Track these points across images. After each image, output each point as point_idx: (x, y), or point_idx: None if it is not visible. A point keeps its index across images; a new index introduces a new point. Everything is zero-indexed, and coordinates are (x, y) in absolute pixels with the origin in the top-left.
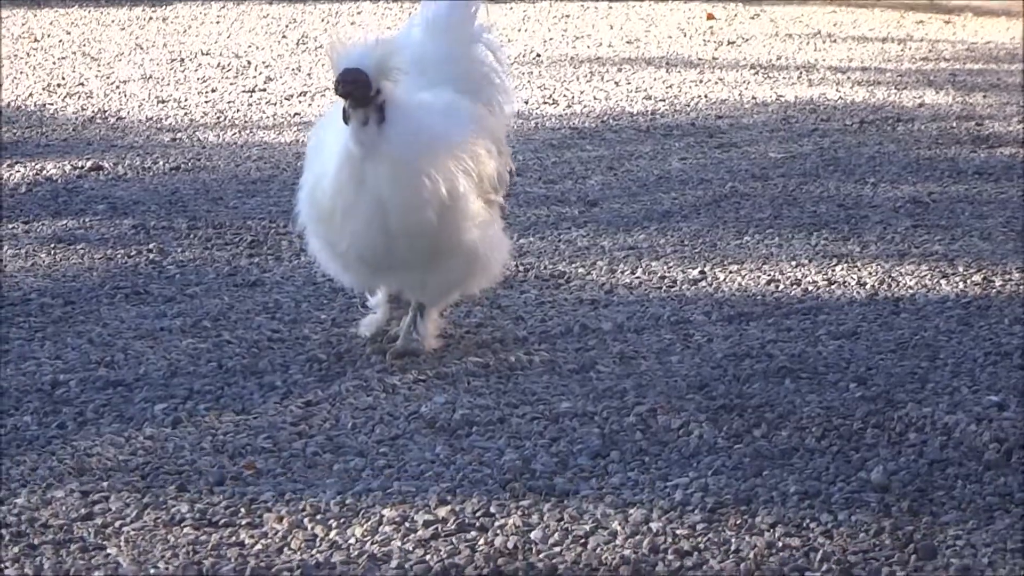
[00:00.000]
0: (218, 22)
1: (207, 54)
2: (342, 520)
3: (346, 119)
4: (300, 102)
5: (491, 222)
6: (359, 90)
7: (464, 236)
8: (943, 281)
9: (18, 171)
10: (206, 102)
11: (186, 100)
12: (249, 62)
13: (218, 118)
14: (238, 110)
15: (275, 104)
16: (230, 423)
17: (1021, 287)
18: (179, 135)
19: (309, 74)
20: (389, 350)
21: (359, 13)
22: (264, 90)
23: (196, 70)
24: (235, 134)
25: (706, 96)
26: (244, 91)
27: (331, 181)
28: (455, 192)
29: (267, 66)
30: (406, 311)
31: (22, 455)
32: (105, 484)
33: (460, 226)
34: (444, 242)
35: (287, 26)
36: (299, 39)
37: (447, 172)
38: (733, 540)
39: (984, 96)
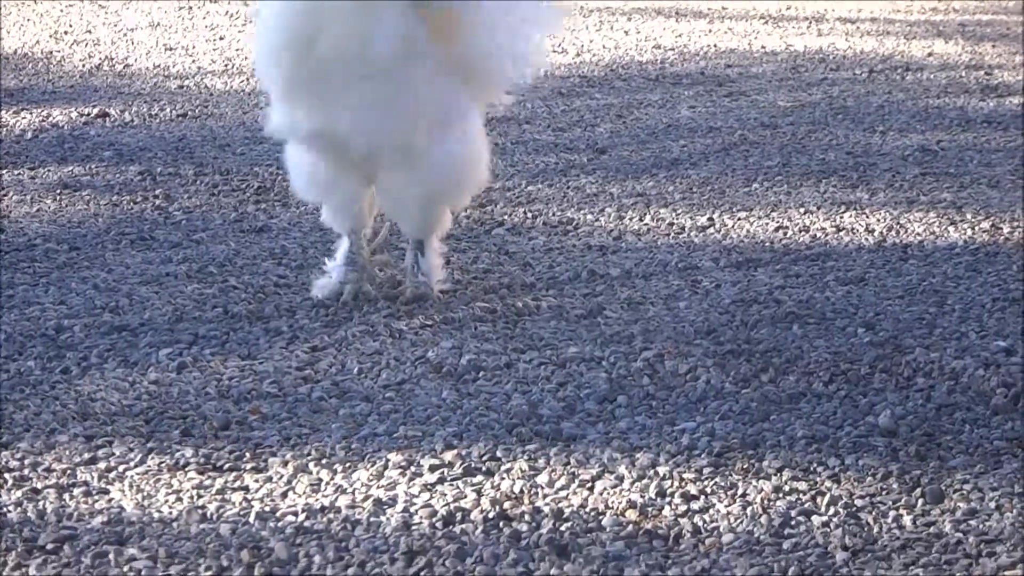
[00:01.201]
0: None
1: (215, 1)
2: (347, 464)
3: None
4: None
5: (473, 118)
6: None
7: (435, 104)
8: (951, 228)
9: (24, 118)
10: (214, 49)
11: (194, 47)
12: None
13: (226, 65)
14: (246, 58)
15: None
16: (235, 368)
17: (1015, 234)
18: (186, 82)
19: None
20: (399, 297)
21: None
22: None
23: (204, 17)
24: (242, 81)
25: (715, 45)
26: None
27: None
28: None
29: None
30: (368, 274)
31: (26, 400)
32: (109, 429)
33: (430, 82)
34: (406, 94)
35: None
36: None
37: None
38: (740, 484)
39: (993, 46)
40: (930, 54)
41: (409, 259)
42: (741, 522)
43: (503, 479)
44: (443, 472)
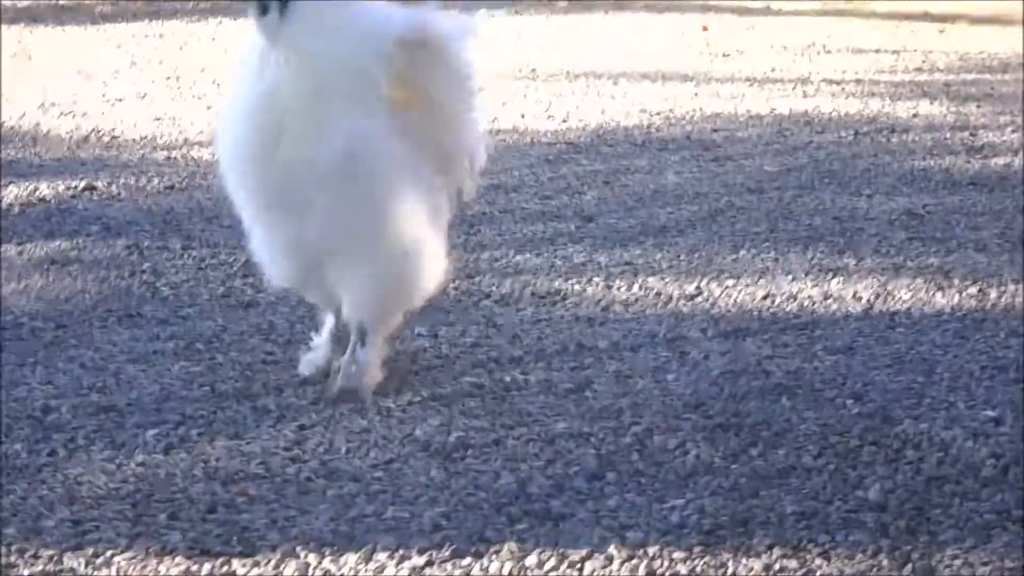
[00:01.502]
0: (214, 39)
1: (203, 71)
2: (335, 547)
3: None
4: None
5: (431, 210)
6: None
7: (388, 204)
8: (939, 294)
9: (12, 191)
10: (201, 119)
11: (181, 118)
12: None
13: (213, 136)
14: None
15: None
16: (223, 448)
17: (1017, 299)
18: (174, 153)
19: None
20: (325, 391)
21: None
22: None
23: (192, 87)
24: None
25: (701, 109)
26: None
27: (233, 88)
28: (376, 124)
29: None
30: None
31: (12, 484)
32: (96, 513)
33: (383, 183)
34: (357, 197)
35: None
36: None
37: (371, 85)
38: (731, 563)
39: (978, 106)
40: (915, 115)
41: (349, 348)
42: None
43: (492, 561)
44: (432, 555)
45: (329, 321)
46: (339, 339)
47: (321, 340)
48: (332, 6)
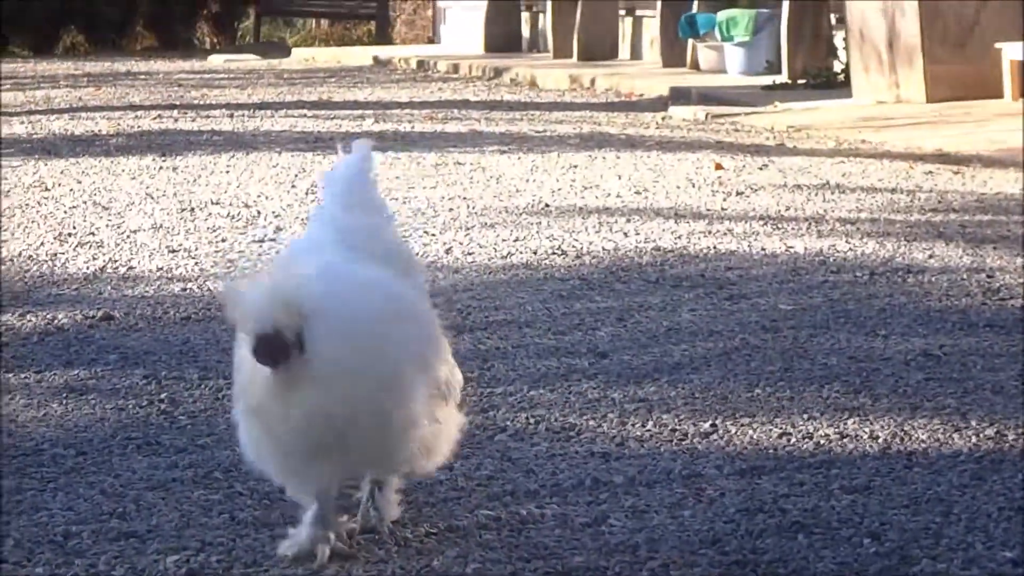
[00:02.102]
0: (227, 171)
1: (217, 203)
2: None
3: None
4: None
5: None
6: (282, 353)
7: (408, 429)
8: (956, 435)
9: (29, 320)
10: (216, 252)
11: (196, 250)
12: (259, 211)
13: (228, 268)
14: (248, 260)
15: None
16: None
17: None
18: (189, 285)
19: None
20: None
21: None
22: (273, 239)
23: (206, 219)
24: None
25: (715, 247)
26: (254, 240)
27: (256, 407)
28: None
29: (276, 216)
30: (339, 532)
31: None
32: None
33: (406, 424)
34: (385, 439)
35: (296, 176)
36: (308, 189)
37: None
38: None
39: (994, 248)
40: (931, 256)
41: (365, 492)
42: None
43: None
44: None
45: (313, 506)
46: (324, 519)
47: (304, 522)
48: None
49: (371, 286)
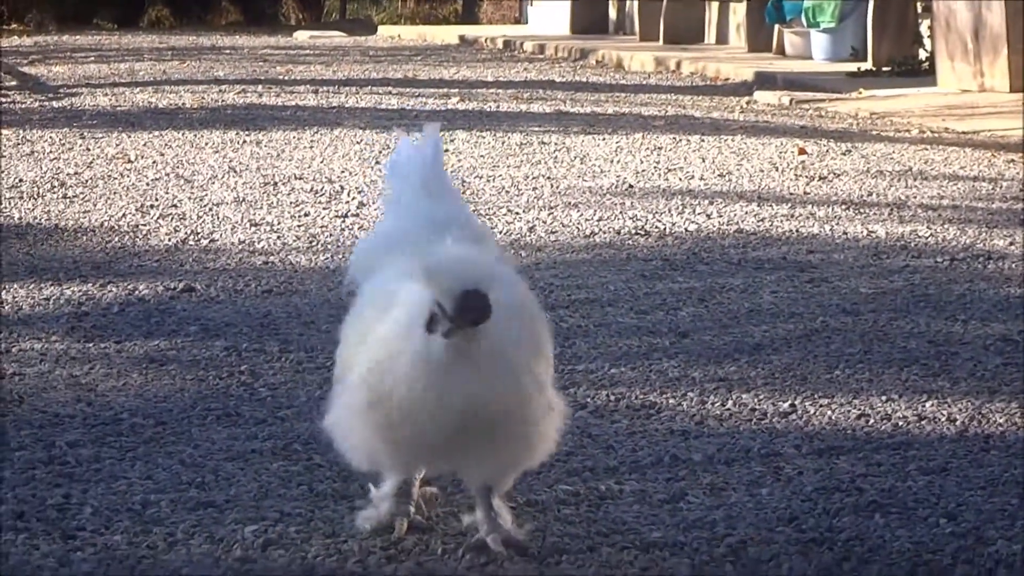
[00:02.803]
0: (311, 147)
1: (300, 178)
2: None
3: (431, 328)
4: None
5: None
6: (483, 313)
7: (541, 419)
8: None
9: (110, 291)
10: (298, 226)
11: (279, 224)
12: (342, 187)
13: (310, 242)
14: (331, 235)
15: (367, 229)
16: (320, 547)
17: None
18: (271, 258)
19: None
20: (475, 548)
21: (452, 141)
22: (356, 215)
23: (289, 194)
24: (327, 258)
25: (797, 230)
26: (337, 216)
27: (403, 390)
28: (541, 383)
29: (359, 191)
30: (414, 505)
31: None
32: None
33: (541, 413)
34: (523, 428)
35: (380, 152)
36: None
37: (534, 363)
38: None
39: None
40: (1012, 243)
41: (481, 511)
42: None
43: None
44: None
45: (396, 479)
46: (406, 493)
47: (384, 491)
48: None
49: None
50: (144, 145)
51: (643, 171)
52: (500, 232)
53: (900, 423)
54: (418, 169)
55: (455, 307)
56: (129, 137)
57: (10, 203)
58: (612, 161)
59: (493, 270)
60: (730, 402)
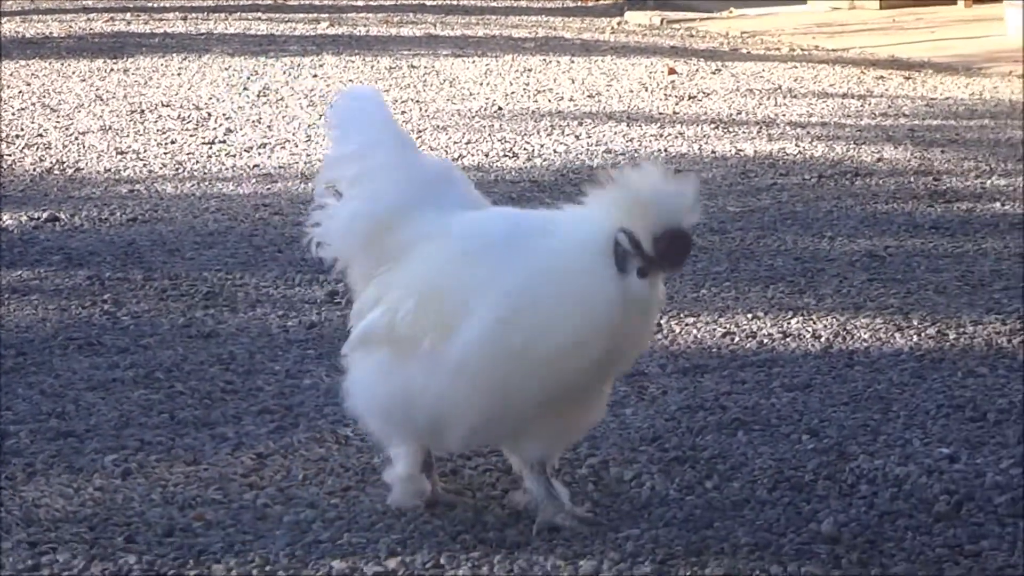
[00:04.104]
0: (179, 74)
1: (167, 106)
2: (291, 572)
3: (623, 267)
4: (260, 154)
5: None
6: (687, 256)
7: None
8: (897, 334)
9: None
10: (165, 153)
11: (145, 152)
12: (209, 114)
13: (177, 170)
14: (197, 162)
15: (235, 156)
16: (181, 474)
17: (975, 340)
18: (137, 187)
19: (269, 126)
20: (545, 528)
21: (321, 66)
22: (224, 142)
23: (156, 121)
24: (193, 186)
25: (666, 150)
26: (204, 143)
27: (577, 334)
28: None
29: (227, 118)
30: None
31: None
32: (53, 535)
33: None
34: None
35: (248, 78)
36: (260, 91)
37: None
38: None
39: (942, 151)
40: (880, 159)
41: (540, 485)
42: None
43: None
44: None
45: (418, 452)
46: (428, 465)
47: (409, 470)
48: None
49: None
50: (10, 75)
51: (512, 93)
52: None
53: (765, 340)
54: (384, 125)
55: (660, 247)
56: None
57: None
58: (481, 84)
59: (690, 204)
60: None
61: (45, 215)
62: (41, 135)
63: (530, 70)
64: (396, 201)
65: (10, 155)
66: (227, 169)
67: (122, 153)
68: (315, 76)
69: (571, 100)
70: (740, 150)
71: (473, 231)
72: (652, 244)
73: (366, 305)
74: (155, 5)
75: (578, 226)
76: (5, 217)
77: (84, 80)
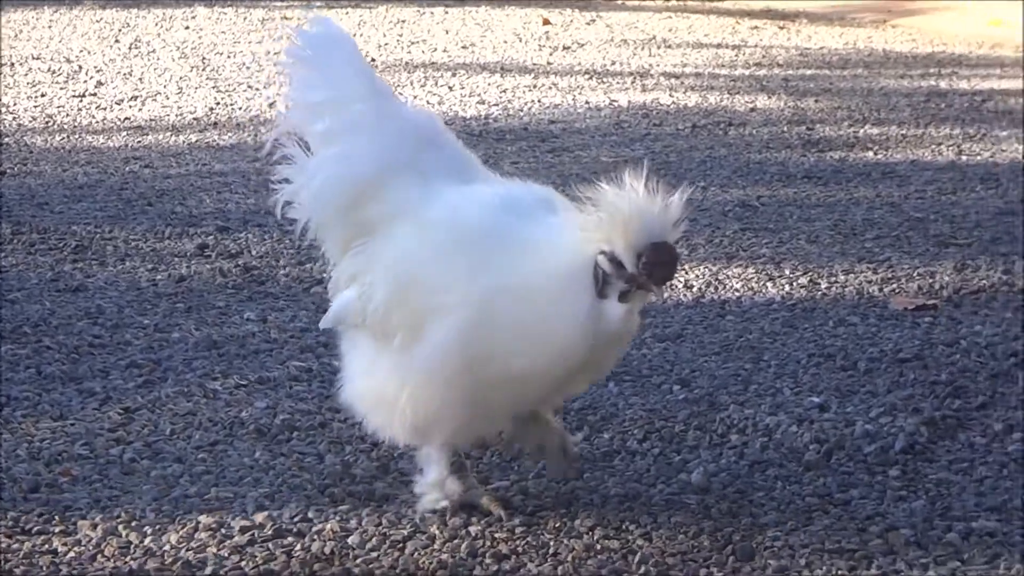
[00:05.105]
0: (50, 26)
1: (38, 58)
2: (157, 527)
3: (603, 292)
4: (131, 107)
5: None
6: (674, 272)
7: None
8: (769, 284)
9: None
10: (35, 107)
11: (15, 105)
12: (80, 67)
13: (47, 123)
14: (67, 115)
15: (105, 109)
16: (47, 430)
17: (846, 289)
18: (6, 140)
19: (141, 79)
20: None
21: (193, 18)
22: (95, 95)
23: (26, 75)
24: (63, 139)
25: (540, 101)
26: (74, 96)
27: (546, 355)
28: None
29: (98, 71)
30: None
31: None
32: None
33: None
34: None
35: (120, 31)
36: (132, 43)
37: None
38: (552, 543)
39: (815, 101)
40: (753, 109)
41: (556, 424)
42: None
43: (314, 540)
44: (254, 534)
45: (446, 454)
46: (462, 467)
47: (438, 478)
48: None
49: None
50: None
51: (386, 44)
52: (241, 109)
53: None
54: (360, 72)
55: (644, 262)
56: None
57: None
58: (355, 35)
59: (676, 219)
60: None
61: None
62: None
63: (404, 21)
64: (376, 164)
65: None
66: (97, 122)
67: None
68: (187, 28)
69: (445, 51)
70: (614, 100)
71: (451, 220)
72: (635, 260)
73: (341, 281)
74: None
75: (559, 246)
76: None
77: None
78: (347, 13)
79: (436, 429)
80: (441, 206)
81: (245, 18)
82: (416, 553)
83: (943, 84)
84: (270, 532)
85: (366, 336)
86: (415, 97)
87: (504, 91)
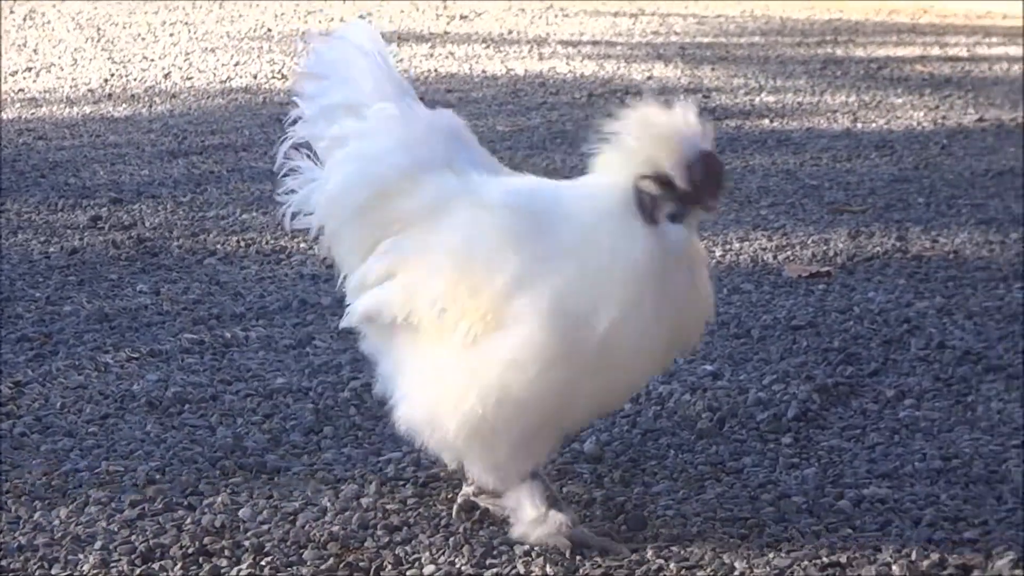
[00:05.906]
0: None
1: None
2: (47, 501)
3: (654, 217)
4: (24, 78)
5: None
6: (724, 181)
7: None
8: None
9: None
10: None
11: None
12: None
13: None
14: None
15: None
16: None
17: (740, 257)
18: None
19: (35, 50)
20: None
21: None
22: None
23: None
24: None
25: (436, 70)
26: None
27: (630, 307)
28: None
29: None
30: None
31: None
32: None
33: None
34: None
35: (14, 1)
36: (26, 15)
37: None
38: (444, 513)
39: (712, 69)
40: (650, 77)
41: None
42: (443, 552)
43: (204, 514)
44: (144, 507)
45: (539, 481)
46: (555, 500)
47: (536, 514)
48: None
49: None
50: None
51: (282, 15)
52: (136, 80)
53: None
54: (381, 74)
55: (697, 174)
56: None
57: None
58: (251, 5)
59: (705, 129)
60: None
61: None
62: None
63: None
64: (407, 160)
65: None
66: None
67: None
68: None
69: (342, 20)
70: (511, 69)
71: (513, 203)
72: (687, 174)
73: (369, 280)
74: None
75: (592, 194)
76: None
77: None
78: None
79: (517, 428)
80: (496, 192)
81: None
82: (308, 525)
83: (839, 52)
84: (160, 506)
85: (408, 338)
86: None
87: (399, 61)
